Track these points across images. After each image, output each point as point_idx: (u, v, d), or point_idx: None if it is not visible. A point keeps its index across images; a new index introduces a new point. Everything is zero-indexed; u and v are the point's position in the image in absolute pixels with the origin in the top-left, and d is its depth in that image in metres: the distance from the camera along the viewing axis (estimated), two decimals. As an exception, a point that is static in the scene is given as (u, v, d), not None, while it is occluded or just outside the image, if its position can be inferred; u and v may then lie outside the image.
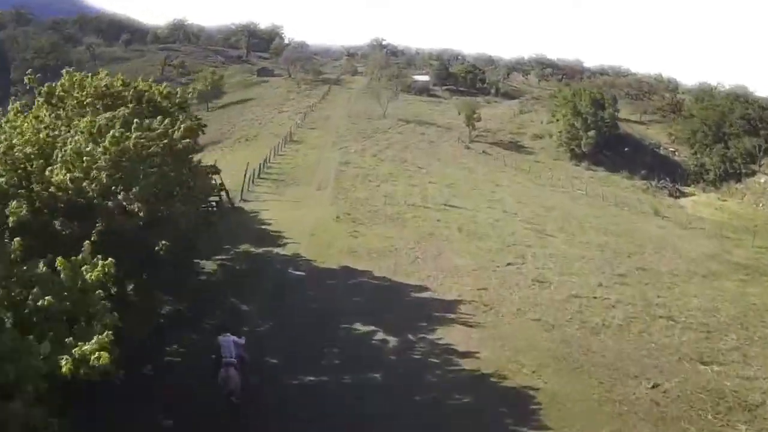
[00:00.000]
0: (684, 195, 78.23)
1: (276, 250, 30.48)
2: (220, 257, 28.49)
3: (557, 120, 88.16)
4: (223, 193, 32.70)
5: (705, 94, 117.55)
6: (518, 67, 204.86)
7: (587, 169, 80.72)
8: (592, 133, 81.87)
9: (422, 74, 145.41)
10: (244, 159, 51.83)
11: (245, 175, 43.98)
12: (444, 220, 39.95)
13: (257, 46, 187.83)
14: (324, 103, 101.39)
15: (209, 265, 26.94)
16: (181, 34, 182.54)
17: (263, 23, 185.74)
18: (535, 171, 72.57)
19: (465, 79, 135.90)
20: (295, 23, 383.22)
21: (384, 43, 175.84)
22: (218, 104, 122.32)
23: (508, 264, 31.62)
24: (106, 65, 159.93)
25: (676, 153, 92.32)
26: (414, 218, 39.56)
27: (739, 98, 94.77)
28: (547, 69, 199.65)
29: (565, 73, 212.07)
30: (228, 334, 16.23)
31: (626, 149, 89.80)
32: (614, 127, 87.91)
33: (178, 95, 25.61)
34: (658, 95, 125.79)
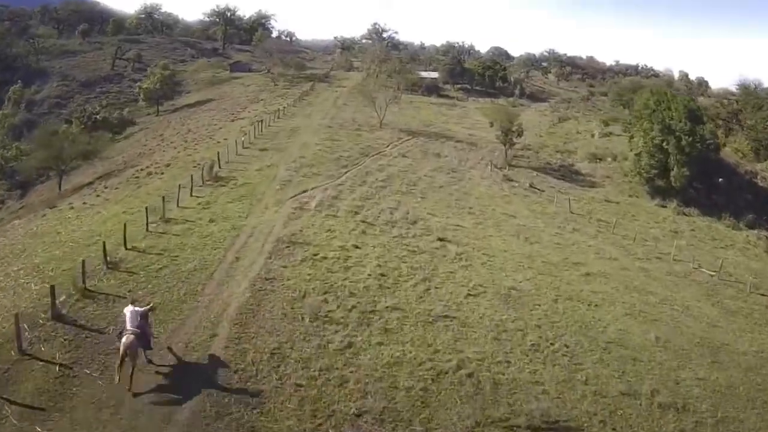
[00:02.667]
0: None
1: None
2: None
3: (632, 137, 59.06)
4: None
5: (752, 97, 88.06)
6: (534, 64, 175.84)
7: (678, 213, 51.53)
8: (686, 158, 53.06)
9: (430, 70, 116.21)
10: (86, 236, 23.78)
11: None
12: None
13: (238, 38, 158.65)
14: (299, 107, 72.18)
15: None
16: (149, 24, 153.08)
17: (249, 11, 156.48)
18: (621, 225, 43.42)
19: (483, 76, 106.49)
20: (291, 17, 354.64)
21: (385, 32, 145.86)
22: (172, 106, 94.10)
23: None
24: (54, 59, 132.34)
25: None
26: None
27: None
28: (566, 67, 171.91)
29: (586, 72, 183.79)
30: (132, 305, 16.37)
31: (720, 180, 60.46)
32: (716, 150, 58.87)
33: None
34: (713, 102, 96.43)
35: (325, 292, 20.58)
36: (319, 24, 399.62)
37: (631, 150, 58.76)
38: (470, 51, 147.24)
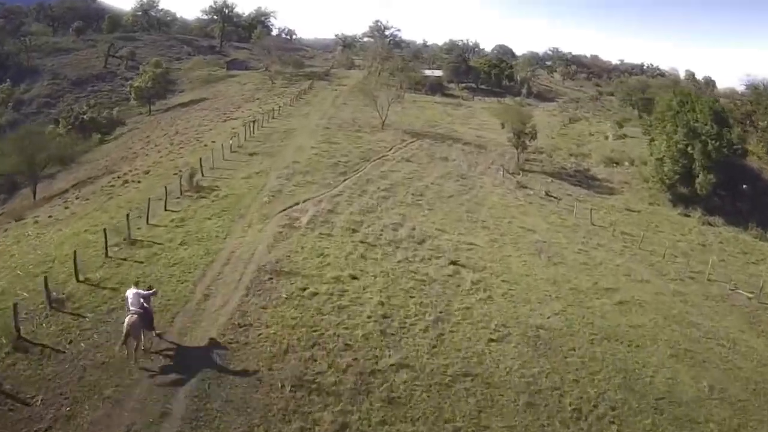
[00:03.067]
0: None
1: None
2: None
3: (653, 141, 54.64)
4: None
5: (763, 98, 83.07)
6: (539, 62, 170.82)
7: (703, 223, 47.16)
8: (712, 164, 48.77)
9: (433, 69, 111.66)
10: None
11: None
12: None
13: (237, 36, 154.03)
14: (296, 106, 67.80)
15: None
16: (145, 22, 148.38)
17: (248, 8, 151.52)
18: (647, 239, 38.93)
19: (488, 75, 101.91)
20: (292, 16, 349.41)
21: (387, 30, 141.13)
22: (165, 105, 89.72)
23: None
24: (46, 57, 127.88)
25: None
26: None
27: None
28: (571, 66, 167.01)
29: (591, 71, 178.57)
30: (135, 287, 16.68)
31: (744, 186, 56.03)
32: (743, 155, 54.49)
33: None
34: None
35: (314, 345, 16.20)
36: (321, 23, 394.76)
37: (651, 154, 54.36)
38: (475, 49, 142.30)
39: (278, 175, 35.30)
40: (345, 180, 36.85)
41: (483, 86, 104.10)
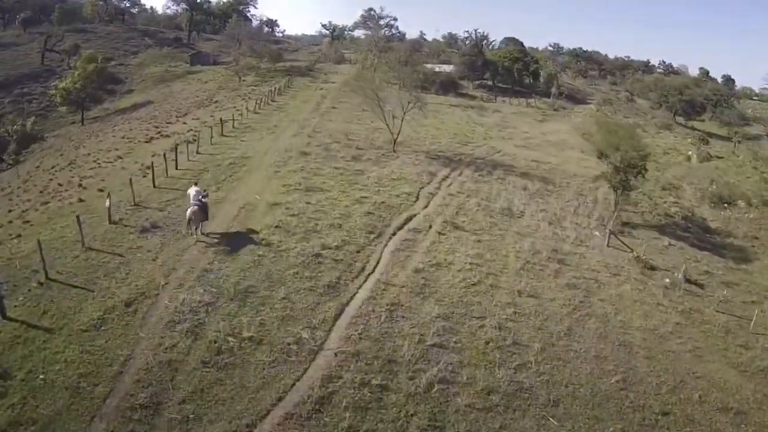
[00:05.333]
0: None
1: None
2: None
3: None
4: None
5: None
6: (554, 58, 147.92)
7: None
8: None
9: (440, 62, 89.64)
10: None
11: None
12: None
13: (210, 27, 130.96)
14: (265, 112, 45.66)
15: None
16: (104, 12, 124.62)
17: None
18: None
19: (510, 70, 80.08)
20: (277, 11, 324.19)
21: (381, 20, 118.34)
22: (105, 111, 67.27)
23: None
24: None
25: None
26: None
27: None
28: (581, 62, 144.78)
29: (604, 68, 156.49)
30: (195, 186, 21.13)
31: None
32: None
33: None
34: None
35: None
36: (308, 18, 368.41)
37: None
38: (485, 40, 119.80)
39: (174, 314, 14.20)
40: (329, 327, 15.43)
41: (500, 84, 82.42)
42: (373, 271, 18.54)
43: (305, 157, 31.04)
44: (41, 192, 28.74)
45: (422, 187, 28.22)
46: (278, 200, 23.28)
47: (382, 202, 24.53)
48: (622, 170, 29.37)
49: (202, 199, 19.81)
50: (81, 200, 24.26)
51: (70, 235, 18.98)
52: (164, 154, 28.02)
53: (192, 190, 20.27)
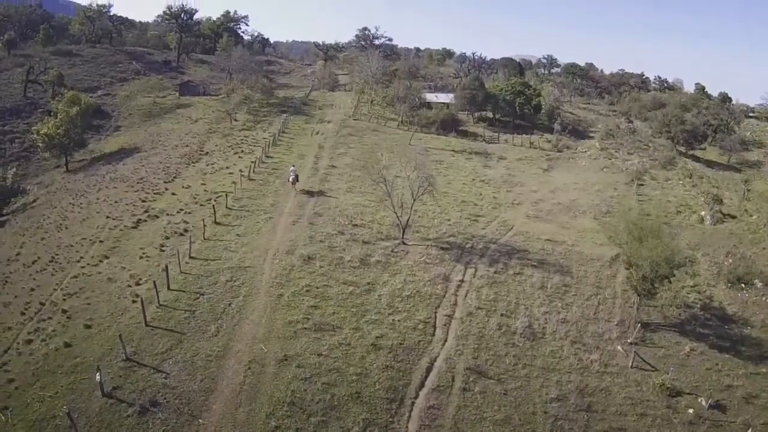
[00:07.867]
0: None
1: None
2: None
3: None
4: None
5: None
6: (548, 78, 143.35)
7: None
8: None
9: (437, 92, 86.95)
10: None
11: None
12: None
13: (201, 47, 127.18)
14: (261, 178, 42.73)
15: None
16: (90, 32, 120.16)
17: (216, 13, 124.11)
18: None
19: (512, 103, 77.43)
20: (264, 18, 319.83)
21: (377, 39, 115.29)
22: (92, 154, 63.79)
23: None
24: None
25: None
26: None
27: None
28: (576, 79, 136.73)
29: (600, 85, 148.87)
30: (293, 167, 41.68)
31: None
32: None
33: None
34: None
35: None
36: (297, 25, 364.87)
37: None
38: (479, 60, 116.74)
39: None
40: None
41: (500, 117, 79.95)
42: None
43: (309, 265, 28.18)
44: (23, 314, 25.62)
45: (438, 306, 25.52)
46: (287, 351, 20.53)
47: (400, 344, 21.82)
48: (650, 280, 26.89)
49: (296, 171, 40.91)
50: (67, 345, 21.45)
51: (60, 415, 16.24)
52: (154, 282, 25.12)
53: (291, 168, 41.66)
